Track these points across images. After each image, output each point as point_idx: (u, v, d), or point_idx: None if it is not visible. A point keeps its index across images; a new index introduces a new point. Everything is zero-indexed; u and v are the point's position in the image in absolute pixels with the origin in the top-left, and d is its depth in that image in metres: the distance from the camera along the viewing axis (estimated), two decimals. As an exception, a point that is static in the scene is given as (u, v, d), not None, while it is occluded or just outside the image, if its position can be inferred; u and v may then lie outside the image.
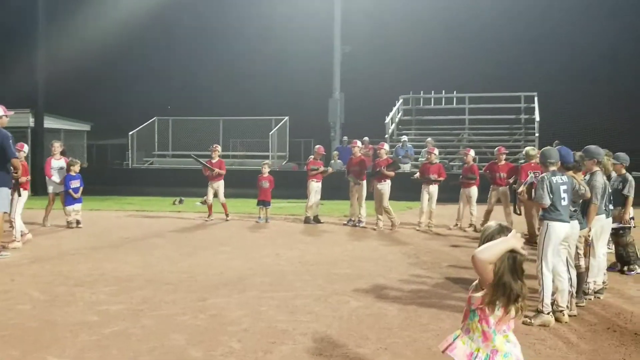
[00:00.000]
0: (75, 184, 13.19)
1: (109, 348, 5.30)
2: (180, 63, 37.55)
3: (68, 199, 13.10)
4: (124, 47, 35.94)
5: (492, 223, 3.28)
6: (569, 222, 6.34)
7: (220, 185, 14.63)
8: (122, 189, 20.58)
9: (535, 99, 26.21)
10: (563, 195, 6.25)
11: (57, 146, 13.88)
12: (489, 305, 3.11)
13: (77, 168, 13.38)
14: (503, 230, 3.15)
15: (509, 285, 3.07)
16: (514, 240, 3.04)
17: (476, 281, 3.20)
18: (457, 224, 13.27)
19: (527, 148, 12.36)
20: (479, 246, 3.11)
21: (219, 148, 15.28)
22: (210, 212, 14.76)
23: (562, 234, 6.26)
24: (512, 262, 3.07)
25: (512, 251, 3.05)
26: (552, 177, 6.29)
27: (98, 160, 34.59)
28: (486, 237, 3.17)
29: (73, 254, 9.98)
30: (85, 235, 12.06)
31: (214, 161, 14.70)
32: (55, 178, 13.29)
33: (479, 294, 3.15)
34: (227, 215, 14.69)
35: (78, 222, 13.16)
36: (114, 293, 7.26)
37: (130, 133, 26.11)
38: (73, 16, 31.33)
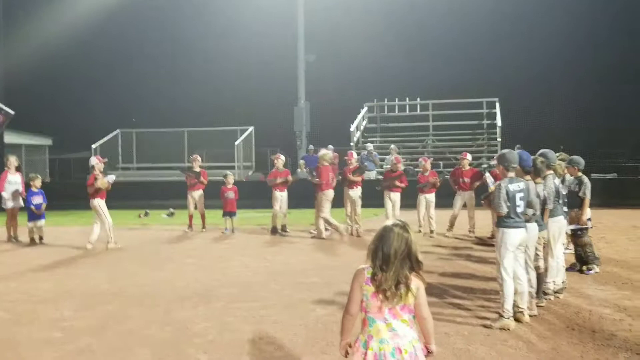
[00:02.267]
0: (38, 199, 13.00)
1: (73, 365, 5.29)
2: (142, 74, 37.24)
3: (30, 215, 12.91)
4: (85, 60, 35.55)
5: (388, 222, 3.52)
6: (524, 227, 6.45)
7: (200, 195, 14.57)
8: (85, 203, 20.25)
9: (497, 104, 26.70)
10: (519, 202, 6.35)
11: (13, 161, 13.64)
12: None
13: (38, 183, 13.18)
14: (393, 228, 3.46)
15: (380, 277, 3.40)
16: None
17: None
18: (420, 230, 13.43)
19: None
20: (371, 242, 3.49)
21: (199, 158, 15.19)
22: (190, 223, 14.65)
23: (517, 240, 6.37)
24: (383, 256, 3.41)
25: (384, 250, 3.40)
26: (509, 185, 6.36)
27: (61, 174, 34.06)
28: (377, 234, 3.51)
29: (37, 271, 9.85)
30: (48, 252, 11.90)
31: (197, 170, 14.69)
32: (5, 194, 13.10)
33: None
34: (203, 226, 14.62)
35: (41, 239, 12.98)
36: (78, 309, 7.21)
37: (94, 146, 25.78)
38: (31, 28, 30.88)
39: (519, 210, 6.36)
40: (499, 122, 25.20)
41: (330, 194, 13.39)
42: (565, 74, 30.38)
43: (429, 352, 3.61)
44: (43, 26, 31.46)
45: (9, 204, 13.21)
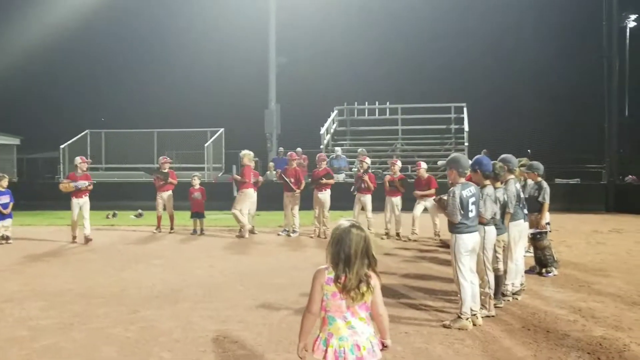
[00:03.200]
0: (5, 199, 12.93)
1: (39, 362, 5.37)
2: (112, 75, 37.01)
3: (-4, 215, 12.85)
4: (54, 60, 35.21)
5: (343, 221, 3.71)
6: (476, 231, 6.60)
7: (169, 196, 14.63)
8: (53, 203, 20.15)
9: (465, 109, 27.10)
10: (471, 207, 6.48)
11: None
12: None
13: (4, 183, 13.10)
14: (351, 229, 3.63)
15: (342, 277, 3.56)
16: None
17: None
18: (386, 233, 13.65)
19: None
20: (329, 243, 3.65)
21: (169, 160, 15.34)
22: (158, 224, 14.68)
23: (470, 244, 6.50)
24: (345, 257, 3.57)
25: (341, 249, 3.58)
26: (462, 191, 6.45)
27: (29, 174, 33.64)
28: (334, 235, 3.67)
29: (2, 270, 9.84)
30: (14, 251, 11.84)
31: (165, 171, 14.76)
32: None
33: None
34: (172, 227, 14.68)
35: (7, 238, 12.91)
36: (44, 308, 7.26)
37: (62, 146, 25.56)
38: (0, 29, 30.53)
39: (471, 215, 6.48)
40: (466, 127, 25.59)
41: (250, 192, 13.92)
42: (534, 80, 30.98)
43: (384, 347, 3.78)
44: (13, 27, 31.11)
45: None
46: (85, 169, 13.46)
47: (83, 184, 13.05)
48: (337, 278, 3.58)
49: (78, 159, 13.63)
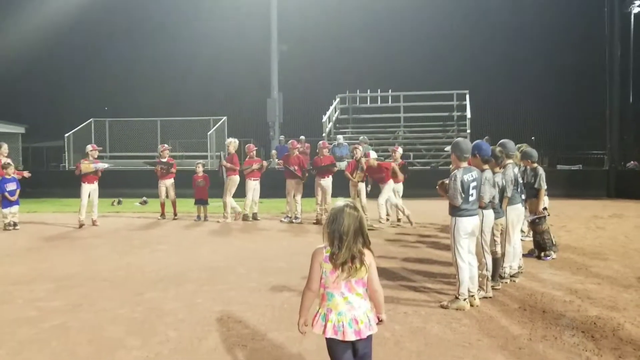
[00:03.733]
0: (12, 186, 13.12)
1: (49, 340, 5.54)
2: (116, 63, 37.08)
3: (4, 201, 13.03)
4: (59, 49, 35.32)
5: (339, 202, 3.88)
6: (476, 215, 6.75)
7: (171, 183, 14.96)
8: (59, 191, 20.38)
9: (467, 96, 27.15)
10: (472, 192, 6.61)
11: (4, 148, 13.86)
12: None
13: (11, 171, 13.29)
14: (344, 208, 3.80)
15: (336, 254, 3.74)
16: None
17: None
18: (387, 219, 13.78)
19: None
20: (325, 222, 3.86)
21: (169, 148, 15.64)
22: (162, 210, 14.96)
23: (469, 227, 6.64)
24: (338, 235, 3.74)
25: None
26: (464, 175, 6.58)
27: (34, 162, 33.85)
28: (330, 215, 3.85)
29: (10, 255, 10.04)
30: (22, 237, 12.04)
31: (164, 160, 15.02)
32: None
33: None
34: (175, 214, 14.92)
35: (15, 224, 13.11)
36: (52, 290, 7.44)
37: (67, 135, 25.75)
38: (5, 19, 30.61)
39: (471, 199, 6.61)
40: (468, 114, 25.67)
41: (236, 179, 14.38)
42: (537, 65, 30.97)
43: (380, 321, 3.95)
44: (18, 16, 31.19)
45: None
46: (95, 157, 14.06)
47: (102, 165, 13.87)
48: (333, 255, 3.75)
49: (89, 147, 14.16)
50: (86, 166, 13.61)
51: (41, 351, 5.28)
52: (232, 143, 14.69)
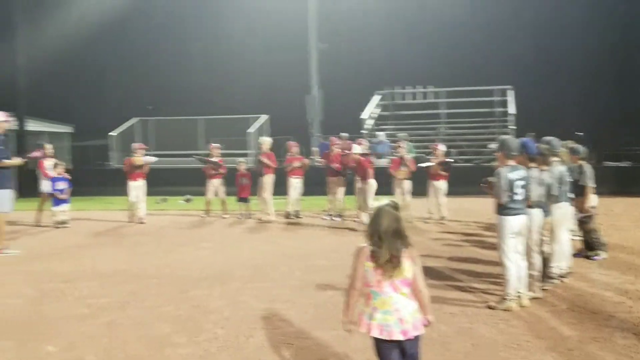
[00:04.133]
0: (62, 185, 13.42)
1: (99, 337, 5.66)
2: (159, 63, 37.59)
3: (55, 200, 13.34)
4: (103, 50, 35.95)
5: (383, 202, 3.88)
6: (523, 214, 6.63)
7: (220, 183, 14.96)
8: (105, 189, 20.77)
9: (510, 92, 26.73)
10: (519, 190, 6.50)
11: (49, 147, 14.23)
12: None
13: (61, 170, 13.61)
14: (384, 207, 3.83)
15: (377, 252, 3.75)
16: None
17: None
18: (430, 217, 13.68)
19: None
20: (368, 222, 3.88)
21: (219, 146, 15.65)
22: (208, 209, 15.00)
23: (516, 226, 6.54)
24: (378, 233, 3.76)
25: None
26: (510, 173, 6.49)
27: (81, 161, 34.59)
28: (371, 215, 3.89)
29: (61, 253, 10.28)
30: (72, 235, 12.33)
31: (214, 159, 15.09)
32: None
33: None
34: (225, 212, 14.93)
35: (65, 222, 13.42)
36: (101, 288, 7.60)
37: (111, 134, 26.26)
38: (51, 17, 31.31)
39: (518, 197, 6.51)
40: (511, 109, 25.27)
41: (272, 177, 14.42)
42: (583, 60, 30.30)
43: (427, 322, 3.92)
44: (63, 17, 31.90)
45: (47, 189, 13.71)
46: (142, 154, 14.38)
47: (151, 159, 14.42)
48: (374, 254, 3.76)
49: (135, 145, 14.64)
50: (137, 159, 14.03)
51: (93, 347, 5.40)
52: (266, 143, 14.88)
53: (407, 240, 3.81)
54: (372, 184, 12.91)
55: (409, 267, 3.80)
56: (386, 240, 3.74)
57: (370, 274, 3.79)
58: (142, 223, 13.93)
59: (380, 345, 3.79)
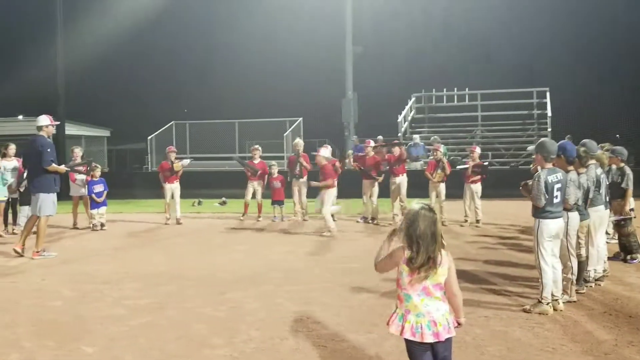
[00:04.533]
0: (99, 188, 13.66)
1: (138, 337, 5.78)
2: (195, 67, 38.13)
3: (92, 202, 13.61)
4: (140, 55, 36.61)
5: (415, 205, 3.90)
6: (560, 217, 6.56)
7: (259, 185, 15.03)
8: (142, 192, 21.11)
9: (548, 94, 26.41)
10: (556, 193, 6.44)
11: (78, 152, 14.48)
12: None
13: (98, 173, 13.86)
14: (420, 211, 3.84)
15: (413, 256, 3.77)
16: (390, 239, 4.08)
17: None
18: (466, 220, 13.59)
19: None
20: (401, 224, 3.91)
21: (260, 148, 15.67)
22: (245, 210, 15.08)
23: (553, 229, 6.48)
24: (414, 237, 3.77)
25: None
26: (548, 176, 6.42)
27: (117, 164, 35.23)
28: (405, 218, 3.92)
29: (99, 255, 10.49)
30: (109, 237, 12.57)
31: (255, 162, 15.18)
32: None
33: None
34: (259, 215, 15.00)
35: (102, 225, 13.66)
36: (139, 289, 7.74)
37: (149, 137, 26.70)
38: (89, 23, 31.98)
39: (556, 201, 6.45)
40: (549, 112, 24.96)
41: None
42: (620, 61, 29.77)
43: (458, 324, 3.94)
44: (100, 24, 32.54)
45: (79, 192, 13.98)
46: (173, 158, 14.65)
47: (186, 161, 14.89)
48: (411, 259, 3.77)
49: (170, 148, 15.11)
50: (176, 164, 14.44)
51: (130, 348, 5.51)
52: (301, 144, 15.13)
53: (442, 243, 3.82)
54: (332, 192, 12.78)
55: (444, 270, 3.81)
56: (423, 243, 3.75)
57: (405, 276, 3.81)
58: (179, 224, 14.28)
59: (413, 347, 3.81)
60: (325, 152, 13.20)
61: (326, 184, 12.58)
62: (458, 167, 13.99)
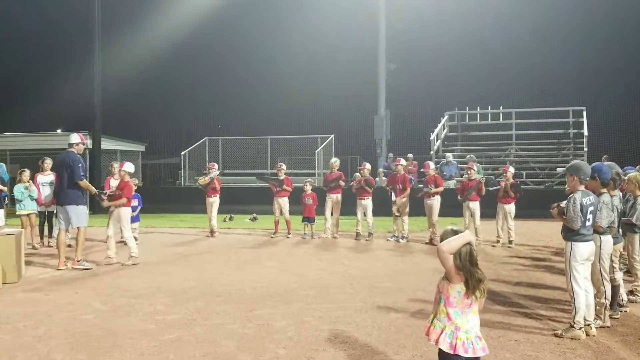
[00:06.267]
0: (133, 202, 13.80)
1: (166, 353, 5.82)
2: (229, 84, 38.55)
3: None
4: (175, 72, 37.21)
5: (448, 227, 4.04)
6: (591, 240, 6.45)
7: (285, 202, 15.11)
8: (175, 207, 21.36)
9: (584, 113, 26.03)
10: (589, 216, 6.35)
11: (116, 167, 14.68)
12: (467, 292, 3.89)
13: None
14: (456, 234, 3.94)
15: (469, 271, 3.85)
16: (469, 235, 3.94)
17: (444, 273, 3.97)
18: (498, 240, 13.42)
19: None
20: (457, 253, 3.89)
21: (284, 166, 15.88)
22: (276, 228, 15.20)
23: (586, 252, 6.38)
24: (468, 253, 3.85)
25: (468, 244, 3.88)
26: (583, 199, 6.33)
27: (151, 179, 35.69)
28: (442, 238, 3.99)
29: (131, 269, 10.63)
30: (141, 251, 12.62)
31: (280, 178, 15.30)
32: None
33: (445, 282, 3.97)
34: (289, 232, 15.08)
35: (135, 239, 13.79)
36: (169, 304, 7.81)
37: (183, 153, 27.03)
38: (127, 40, 32.67)
39: (588, 224, 6.36)
40: (585, 131, 24.59)
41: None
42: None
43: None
44: (135, 41, 33.21)
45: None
46: (206, 172, 15.66)
47: (214, 173, 15.43)
48: (467, 283, 3.89)
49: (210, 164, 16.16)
50: (202, 179, 15.35)
51: (159, 363, 5.57)
52: (337, 163, 15.48)
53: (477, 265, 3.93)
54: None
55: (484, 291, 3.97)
56: (470, 269, 3.87)
57: (462, 297, 3.91)
58: (213, 237, 15.14)
59: None
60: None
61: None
62: (491, 188, 13.82)
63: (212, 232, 15.34)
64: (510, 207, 13.38)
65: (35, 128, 31.46)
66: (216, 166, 16.16)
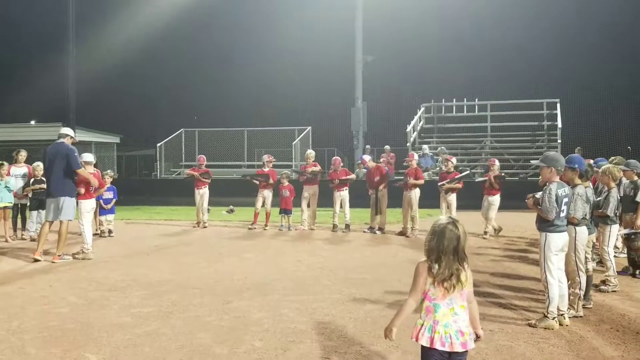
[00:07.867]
0: (108, 195, 13.71)
1: (142, 346, 5.78)
2: (205, 75, 38.29)
3: (100, 209, 13.64)
4: (150, 63, 36.84)
5: (442, 217, 3.93)
6: (565, 231, 6.53)
7: (269, 194, 15.12)
8: (150, 199, 21.19)
9: (558, 105, 26.32)
10: (563, 207, 6.42)
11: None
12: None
13: (108, 180, 13.91)
14: (447, 225, 3.85)
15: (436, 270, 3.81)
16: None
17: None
18: (485, 232, 13.55)
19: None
20: (427, 238, 3.89)
21: (273, 159, 15.94)
22: (255, 220, 15.15)
23: (560, 243, 6.45)
24: (438, 251, 3.81)
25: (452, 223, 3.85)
26: (558, 190, 6.39)
27: (127, 171, 35.38)
28: (432, 231, 3.90)
29: (106, 262, 10.52)
30: (117, 244, 12.60)
31: (266, 169, 15.30)
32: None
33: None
34: (267, 224, 15.07)
35: (110, 232, 13.72)
36: (145, 297, 7.76)
37: (159, 144, 26.81)
38: (100, 34, 32.26)
39: (562, 215, 6.42)
40: (559, 123, 24.87)
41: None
42: (633, 73, 29.65)
43: (477, 337, 3.97)
44: (111, 32, 32.81)
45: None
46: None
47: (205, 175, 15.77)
48: (430, 268, 3.83)
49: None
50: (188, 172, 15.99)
51: (135, 356, 5.52)
52: (312, 155, 15.62)
53: (465, 257, 3.87)
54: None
55: (467, 279, 3.87)
56: (445, 259, 3.80)
57: (436, 288, 3.84)
58: (204, 227, 15.32)
59: (432, 357, 3.82)
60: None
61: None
62: (478, 179, 14.04)
63: (199, 223, 15.48)
64: (494, 199, 13.54)
65: (9, 119, 30.98)
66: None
